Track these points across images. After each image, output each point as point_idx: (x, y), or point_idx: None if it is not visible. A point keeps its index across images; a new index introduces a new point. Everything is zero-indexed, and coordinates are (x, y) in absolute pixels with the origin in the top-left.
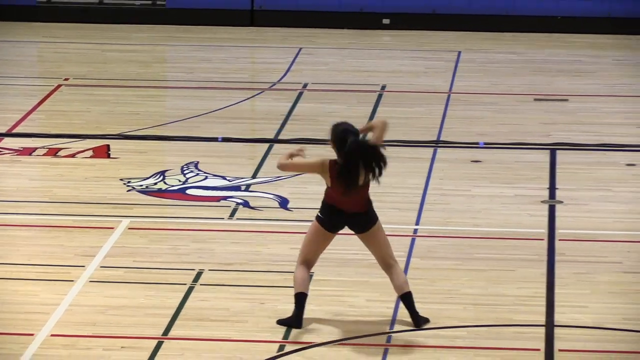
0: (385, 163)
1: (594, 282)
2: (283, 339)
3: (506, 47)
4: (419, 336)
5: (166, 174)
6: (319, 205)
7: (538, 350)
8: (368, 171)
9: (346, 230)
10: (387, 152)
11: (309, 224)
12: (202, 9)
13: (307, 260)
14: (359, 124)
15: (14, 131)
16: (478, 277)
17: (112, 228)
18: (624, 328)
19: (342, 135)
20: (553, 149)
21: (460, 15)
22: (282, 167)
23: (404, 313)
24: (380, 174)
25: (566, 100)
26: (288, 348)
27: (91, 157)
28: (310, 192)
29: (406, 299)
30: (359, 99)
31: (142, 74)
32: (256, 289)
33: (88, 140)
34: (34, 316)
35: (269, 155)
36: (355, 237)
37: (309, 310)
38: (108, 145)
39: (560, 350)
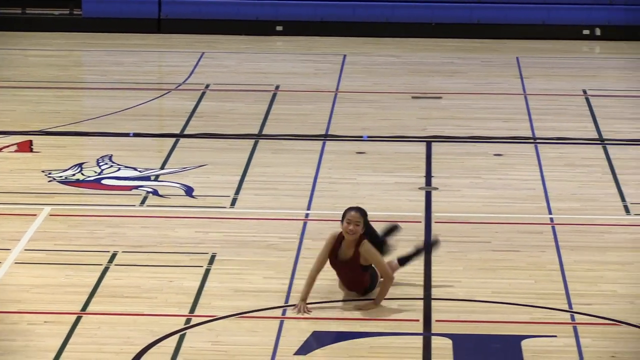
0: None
1: (466, 260)
2: (189, 313)
3: (386, 50)
4: (311, 309)
5: (83, 165)
6: (221, 193)
7: (417, 320)
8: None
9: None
10: (282, 145)
11: (213, 210)
12: (114, 18)
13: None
14: (255, 119)
15: None
16: None
17: (35, 215)
18: (493, 300)
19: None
20: (429, 141)
21: (345, 22)
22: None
23: (296, 289)
24: None
25: (440, 97)
26: (194, 321)
27: (16, 151)
28: (213, 181)
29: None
30: (256, 97)
31: (61, 76)
32: (165, 269)
33: (13, 136)
34: None
35: (175, 148)
36: (253, 221)
37: (212, 287)
38: (31, 141)
39: (437, 320)
